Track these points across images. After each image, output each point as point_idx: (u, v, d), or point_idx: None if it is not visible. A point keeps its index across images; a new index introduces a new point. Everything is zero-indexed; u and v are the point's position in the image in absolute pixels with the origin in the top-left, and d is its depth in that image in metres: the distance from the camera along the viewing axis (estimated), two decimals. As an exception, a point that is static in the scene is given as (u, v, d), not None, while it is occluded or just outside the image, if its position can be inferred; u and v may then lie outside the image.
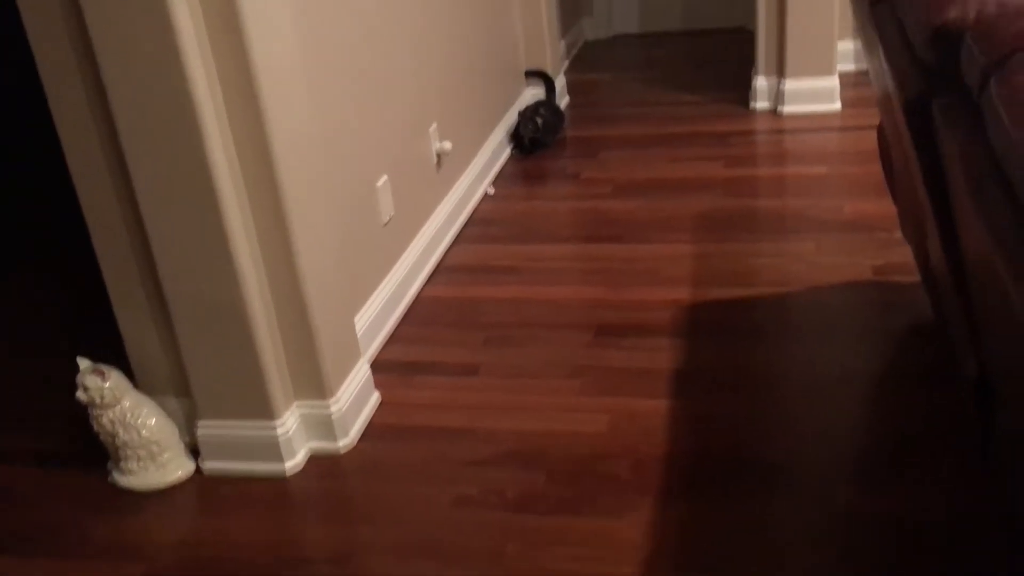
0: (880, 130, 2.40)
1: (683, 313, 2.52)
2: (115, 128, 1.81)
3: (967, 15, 1.22)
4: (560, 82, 4.24)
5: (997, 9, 1.18)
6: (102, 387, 1.99)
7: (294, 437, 2.06)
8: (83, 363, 2.01)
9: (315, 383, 2.05)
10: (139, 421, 2.02)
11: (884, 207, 2.94)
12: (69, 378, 2.04)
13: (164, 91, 1.72)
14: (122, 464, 2.05)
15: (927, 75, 1.33)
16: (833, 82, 3.75)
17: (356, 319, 2.38)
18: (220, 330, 1.93)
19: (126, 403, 2.01)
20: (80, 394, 2.00)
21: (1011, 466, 1.35)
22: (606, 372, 2.31)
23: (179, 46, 1.68)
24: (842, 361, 2.23)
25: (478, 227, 3.20)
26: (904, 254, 2.66)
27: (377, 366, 2.43)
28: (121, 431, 2.02)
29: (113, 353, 2.15)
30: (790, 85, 3.77)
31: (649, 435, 2.06)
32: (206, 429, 2.07)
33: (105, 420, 2.01)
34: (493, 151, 3.56)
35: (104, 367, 2.00)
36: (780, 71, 3.79)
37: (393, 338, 2.57)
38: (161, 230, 1.86)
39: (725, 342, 2.37)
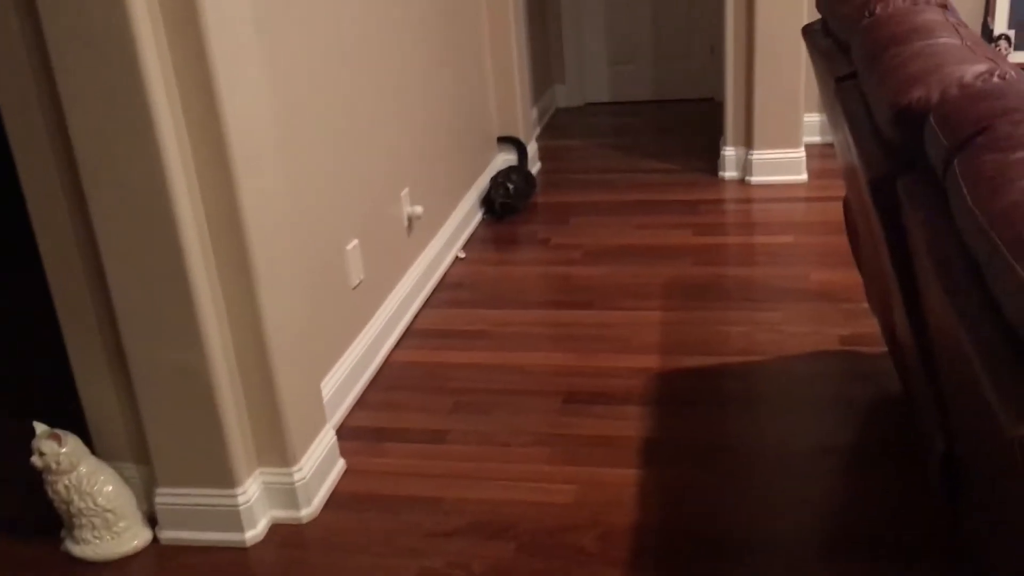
0: (846, 202, 2.44)
1: (652, 381, 2.51)
2: (82, 189, 1.79)
3: (930, 96, 1.25)
4: (532, 148, 4.29)
5: (959, 91, 1.21)
6: (58, 452, 1.94)
7: (255, 506, 2.01)
8: (39, 428, 1.96)
9: (279, 450, 2.01)
10: (95, 488, 1.96)
11: (850, 277, 2.98)
12: (25, 442, 1.99)
13: (135, 154, 1.71)
14: (76, 533, 1.98)
15: (892, 154, 1.35)
16: (800, 154, 3.82)
17: (323, 384, 2.35)
18: (182, 396, 1.89)
19: (83, 469, 1.96)
20: (35, 459, 1.94)
21: (981, 543, 1.34)
22: (574, 440, 2.29)
23: (151, 112, 1.67)
24: (811, 434, 2.23)
25: (448, 291, 3.20)
26: (870, 325, 2.68)
27: (344, 432, 2.39)
28: (76, 498, 1.96)
29: (71, 418, 2.10)
30: (758, 156, 3.83)
31: (617, 506, 2.04)
32: (165, 497, 2.01)
33: (60, 486, 1.96)
34: (465, 215, 3.58)
35: (61, 432, 1.95)
36: (748, 142, 3.86)
37: (360, 403, 2.54)
38: (125, 293, 1.83)
39: (694, 412, 2.36)
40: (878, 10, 1.71)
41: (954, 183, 1.07)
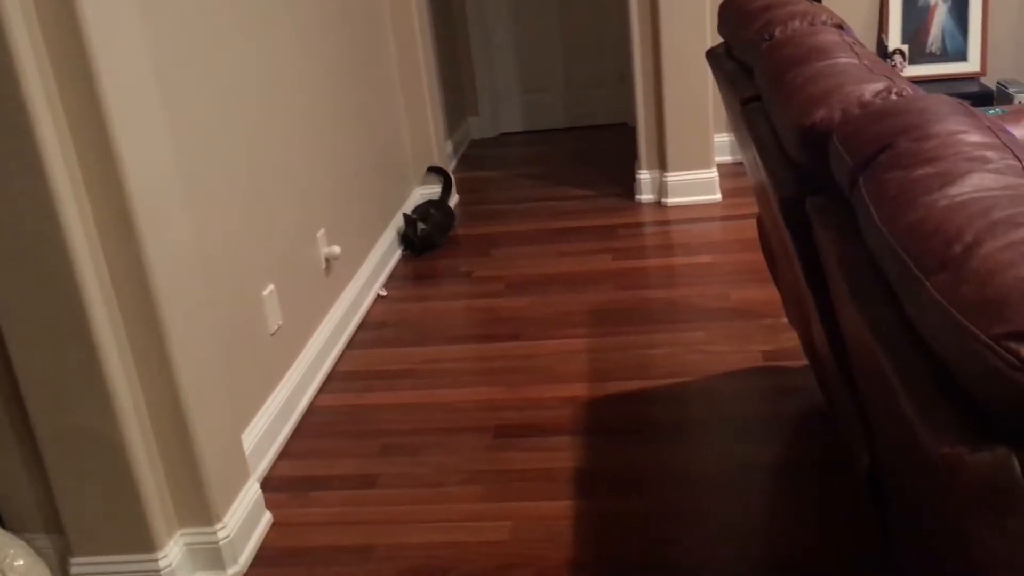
0: (759, 220, 2.48)
1: (581, 410, 2.50)
2: (-26, 251, 1.70)
3: (832, 116, 1.27)
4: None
5: (860, 110, 1.23)
6: (-38, 529, 1.83)
7: (178, 569, 1.92)
8: (-60, 504, 1.85)
9: (200, 509, 1.93)
10: (5, 563, 1.86)
11: (768, 293, 3.02)
12: (-76, 521, 1.87)
13: (29, 214, 1.63)
14: (-15, 613, 1.87)
15: (799, 174, 1.37)
16: (712, 174, 3.88)
17: (244, 436, 2.28)
18: (93, 461, 1.81)
19: (-10, 545, 1.85)
20: (-63, 538, 1.83)
21: (908, 554, 1.35)
22: (507, 476, 2.26)
23: (45, 170, 1.60)
24: (742, 453, 2.24)
25: (371, 331, 3.14)
26: (791, 339, 2.72)
27: (269, 484, 2.31)
28: (-16, 576, 1.85)
29: (-25, 490, 1.98)
30: (672, 178, 3.89)
31: (553, 540, 2.01)
32: (81, 567, 1.91)
33: (-34, 565, 1.85)
34: (384, 252, 3.53)
35: (-36, 507, 1.84)
36: (662, 165, 3.91)
37: (285, 453, 2.47)
38: (26, 356, 1.75)
39: (625, 439, 2.35)
40: (777, 32, 1.74)
41: (860, 201, 1.08)
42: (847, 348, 1.35)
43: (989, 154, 0.99)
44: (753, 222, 3.63)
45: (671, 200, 3.91)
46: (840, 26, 1.74)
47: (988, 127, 1.07)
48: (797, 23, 1.71)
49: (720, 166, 4.10)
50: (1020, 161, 0.99)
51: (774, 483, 2.13)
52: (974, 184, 0.92)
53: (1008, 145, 1.02)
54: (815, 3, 1.95)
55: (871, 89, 1.28)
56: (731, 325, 2.86)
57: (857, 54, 1.51)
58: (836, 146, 1.21)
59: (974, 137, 1.03)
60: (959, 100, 1.18)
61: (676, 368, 2.65)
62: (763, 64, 1.67)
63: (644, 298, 3.13)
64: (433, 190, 4.07)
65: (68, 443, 1.80)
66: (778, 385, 2.51)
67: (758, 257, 3.31)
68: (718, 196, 3.91)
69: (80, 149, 1.66)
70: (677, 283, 3.23)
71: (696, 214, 3.81)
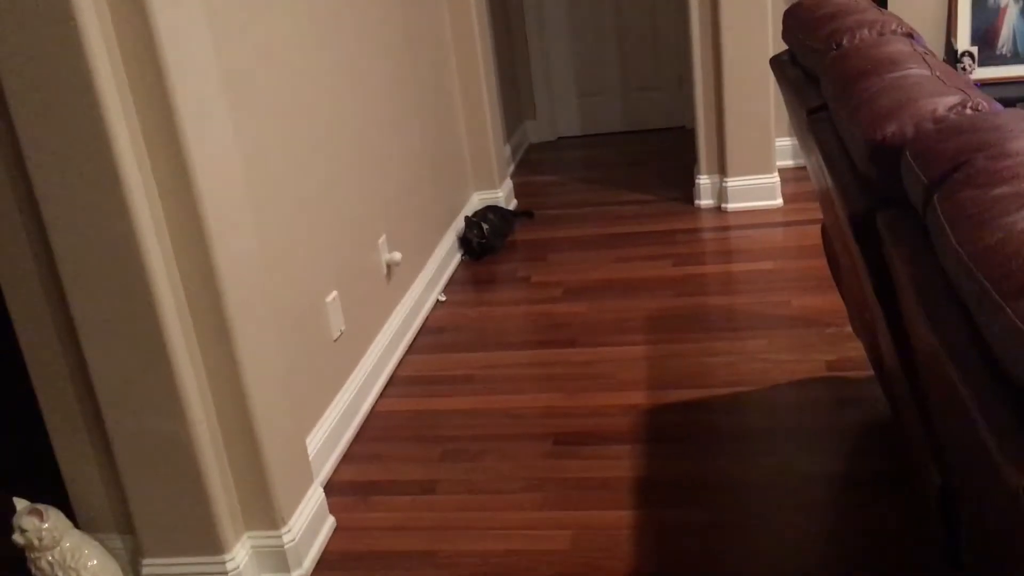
0: (824, 228, 2.44)
1: (641, 418, 2.49)
2: (55, 264, 1.76)
3: (905, 131, 1.25)
4: (507, 186, 4.29)
5: (934, 125, 1.21)
6: (40, 528, 1.89)
7: (244, 572, 1.96)
8: (20, 503, 1.91)
9: (266, 513, 1.97)
10: (80, 563, 1.91)
11: (831, 301, 2.98)
12: (4, 519, 1.94)
13: (107, 226, 1.68)
14: (61, 610, 1.93)
15: (869, 189, 1.35)
16: (774, 179, 3.84)
17: (308, 440, 2.31)
18: (165, 464, 1.85)
19: (66, 544, 1.91)
20: (16, 536, 1.89)
21: (980, 567, 1.33)
22: (566, 484, 2.26)
23: (121, 181, 1.65)
24: (803, 464, 2.21)
25: (431, 336, 3.17)
26: (855, 348, 2.68)
27: (331, 488, 2.35)
28: (61, 574, 1.90)
29: (52, 492, 2.05)
30: (732, 183, 3.85)
31: (612, 549, 2.01)
32: (151, 568, 1.96)
33: (44, 563, 1.90)
34: (443, 258, 3.56)
35: (42, 507, 1.90)
36: (722, 169, 3.87)
37: (347, 457, 2.50)
38: (102, 363, 1.80)
39: (685, 448, 2.34)
40: (845, 41, 1.72)
41: (935, 221, 1.06)
42: (918, 367, 1.33)
43: (1071, 174, 0.97)
44: (816, 228, 3.58)
45: (731, 205, 3.88)
46: (910, 34, 1.71)
47: (1069, 144, 1.05)
48: (866, 32, 1.69)
49: (781, 171, 4.05)
50: (1103, 180, 0.97)
51: (836, 496, 2.10)
52: (1056, 206, 0.90)
53: (1090, 164, 1.00)
54: (883, 10, 1.92)
55: (945, 103, 1.26)
56: (793, 333, 2.83)
57: (929, 64, 1.48)
58: (909, 162, 1.19)
59: (1054, 156, 1.00)
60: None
61: (736, 377, 2.63)
62: (831, 74, 1.65)
63: (704, 305, 3.11)
64: (494, 195, 4.09)
65: (141, 446, 1.85)
66: (842, 396, 2.48)
67: (821, 264, 3.26)
68: (780, 201, 3.86)
69: (154, 162, 1.71)
70: (737, 290, 3.20)
71: (757, 219, 3.77)
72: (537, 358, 2.93)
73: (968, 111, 1.22)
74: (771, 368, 2.65)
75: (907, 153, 1.19)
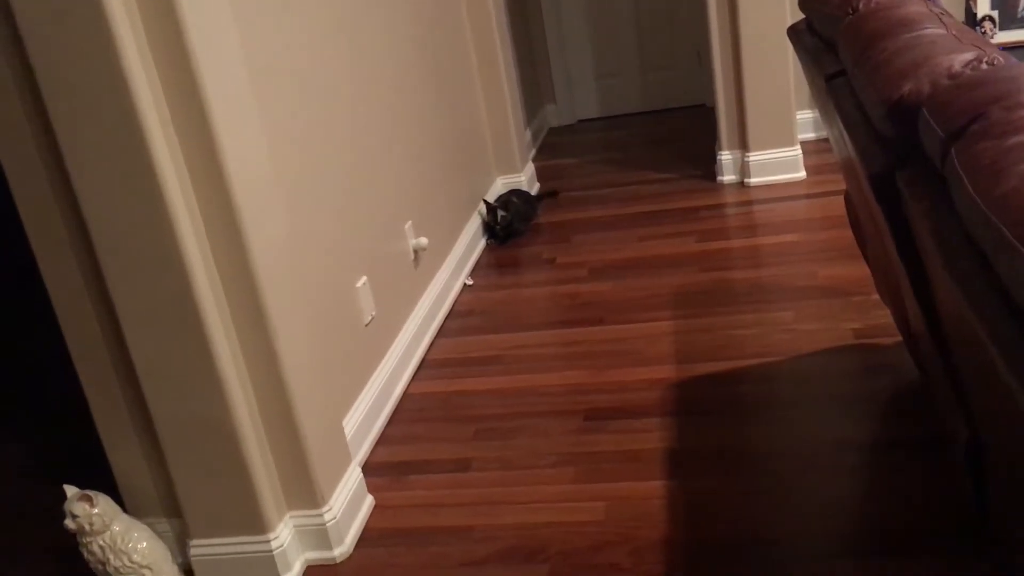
0: (847, 196, 2.45)
1: (669, 392, 2.52)
2: (94, 252, 1.81)
3: (921, 89, 1.26)
4: (529, 169, 4.31)
5: (950, 81, 1.23)
6: (90, 513, 1.95)
7: (289, 550, 2.01)
8: (70, 490, 1.97)
9: (307, 492, 2.02)
10: (130, 546, 1.97)
11: (858, 270, 2.99)
12: (57, 506, 2.00)
13: (143, 215, 1.73)
14: (113, 592, 1.99)
15: (888, 148, 1.37)
16: (796, 152, 3.84)
17: (344, 422, 2.36)
18: (209, 447, 1.91)
19: (116, 528, 1.97)
20: (68, 522, 1.95)
21: (1010, 529, 1.35)
22: (598, 457, 2.30)
23: (155, 170, 1.70)
24: (834, 431, 2.23)
25: (459, 319, 3.21)
26: (882, 316, 2.69)
27: (369, 469, 2.40)
28: (112, 557, 1.97)
29: (100, 478, 2.11)
30: (754, 157, 3.85)
31: (646, 520, 2.04)
32: (199, 549, 2.02)
33: (95, 547, 1.97)
34: (468, 242, 3.60)
35: (91, 493, 1.96)
36: (743, 145, 3.88)
37: (383, 439, 2.55)
38: (145, 351, 1.85)
39: (714, 419, 2.36)
40: (860, 6, 1.73)
41: (953, 173, 1.08)
42: (942, 321, 1.35)
43: (1085, 120, 0.98)
44: (839, 199, 3.58)
45: (754, 180, 3.88)
46: (926, -3, 1.72)
47: (1084, 93, 1.06)
48: (881, -4, 1.70)
49: (803, 143, 4.04)
50: (1118, 126, 0.98)
51: (868, 462, 2.12)
52: (1070, 151, 0.91)
53: (1105, 110, 1.01)
54: (899, -26, 1.92)
55: (960, 60, 1.28)
56: (820, 303, 2.84)
57: (945, 24, 1.49)
58: (926, 118, 1.20)
59: (1069, 104, 1.02)
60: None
61: (764, 348, 2.65)
62: (847, 38, 1.66)
63: (729, 279, 3.12)
64: (517, 179, 4.12)
65: (185, 431, 1.91)
66: (870, 363, 2.49)
67: (846, 234, 3.27)
68: (802, 174, 3.86)
69: (188, 155, 1.76)
70: (763, 263, 3.21)
71: (780, 193, 3.78)
72: (564, 337, 2.96)
73: (984, 66, 1.23)
74: (799, 338, 2.67)
75: (924, 110, 1.21)
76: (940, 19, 1.51)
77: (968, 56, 1.28)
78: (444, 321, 3.19)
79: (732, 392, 2.47)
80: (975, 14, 3.83)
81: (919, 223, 1.21)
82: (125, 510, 2.05)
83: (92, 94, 1.65)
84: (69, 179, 1.76)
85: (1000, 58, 1.26)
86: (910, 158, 1.33)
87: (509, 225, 3.74)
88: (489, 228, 3.80)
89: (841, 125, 1.66)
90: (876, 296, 2.79)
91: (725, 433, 2.29)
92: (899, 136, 1.32)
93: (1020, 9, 3.82)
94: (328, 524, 2.04)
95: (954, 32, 1.43)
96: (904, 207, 1.37)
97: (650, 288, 3.16)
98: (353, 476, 2.18)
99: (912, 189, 1.24)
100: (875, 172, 1.37)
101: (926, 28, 1.46)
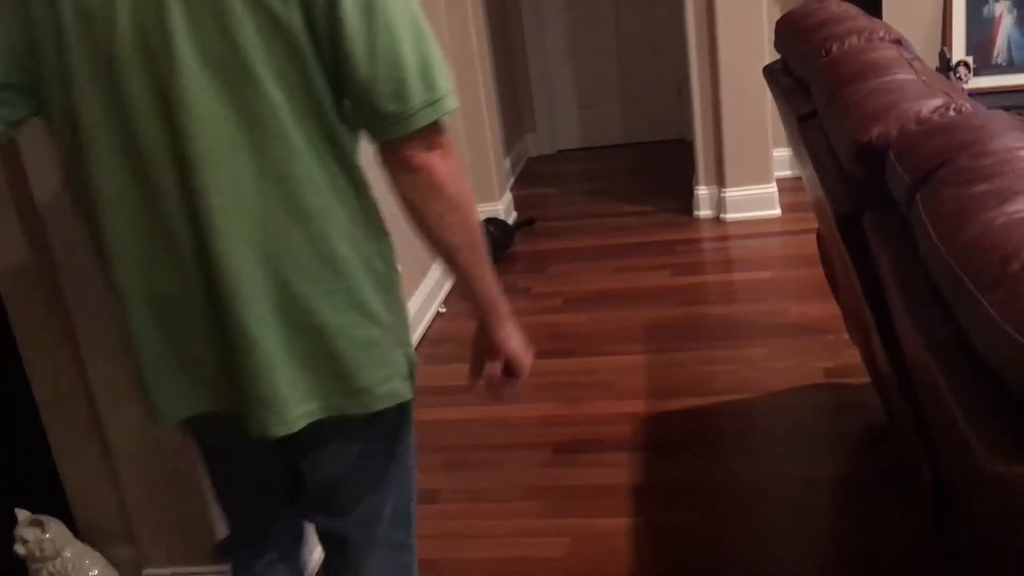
0: (819, 235, 2.46)
1: (640, 426, 2.50)
2: (55, 269, 1.78)
3: (890, 132, 1.27)
4: (506, 199, 4.31)
5: (917, 127, 1.23)
6: (42, 539, 1.90)
7: (246, 580, 1.97)
8: (21, 515, 1.92)
9: (267, 521, 1.98)
10: (81, 573, 1.93)
11: (829, 309, 2.99)
12: (6, 531, 1.95)
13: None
14: (63, 620, 1.94)
15: (856, 190, 1.37)
16: (771, 189, 3.86)
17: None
18: (166, 474, 1.87)
19: (67, 554, 1.92)
20: (18, 547, 1.91)
21: (974, 568, 1.34)
22: (566, 492, 2.27)
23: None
24: (803, 470, 2.22)
25: (431, 347, 3.19)
26: (853, 355, 2.69)
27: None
28: (62, 584, 1.92)
29: (53, 503, 2.06)
30: (730, 193, 3.87)
31: (612, 556, 2.02)
32: (153, 577, 1.98)
33: (45, 573, 1.92)
34: (443, 270, 3.57)
35: (43, 518, 1.92)
36: (720, 180, 3.89)
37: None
38: (103, 373, 1.82)
39: (684, 455, 2.35)
40: (834, 48, 1.74)
41: (918, 219, 1.08)
42: (907, 364, 1.34)
43: (1048, 170, 0.98)
44: (813, 237, 3.59)
45: (730, 216, 3.89)
46: (899, 41, 1.73)
47: (1048, 142, 1.06)
48: (854, 39, 1.71)
49: (779, 181, 4.06)
50: (1081, 176, 0.99)
51: (836, 500, 2.11)
52: (1032, 201, 0.91)
53: (1068, 160, 1.02)
54: (872, 18, 1.94)
55: (929, 105, 1.28)
56: (792, 341, 2.84)
57: (915, 70, 1.50)
58: (893, 162, 1.21)
59: (1033, 153, 1.02)
60: (1017, 115, 1.18)
61: (736, 384, 2.64)
62: (820, 80, 1.67)
63: (703, 314, 3.12)
64: (494, 208, 4.12)
65: (142, 456, 1.87)
66: (840, 402, 2.49)
67: (818, 272, 3.26)
68: (778, 211, 3.88)
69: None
70: (737, 299, 3.22)
71: (755, 229, 3.79)
72: (537, 367, 2.88)
73: (952, 112, 1.24)
74: (770, 375, 2.67)
75: (891, 154, 1.21)
76: (911, 64, 1.52)
77: (936, 102, 1.28)
78: (416, 349, 3.16)
79: (703, 428, 2.46)
80: (949, 59, 3.88)
81: (884, 267, 1.21)
82: (78, 535, 2.00)
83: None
84: (30, 189, 1.73)
85: (968, 105, 1.27)
86: (877, 201, 1.33)
87: (485, 254, 3.73)
88: (465, 256, 3.78)
89: (811, 165, 1.67)
90: (847, 335, 2.79)
91: (694, 469, 2.28)
92: (867, 178, 1.32)
93: (995, 55, 3.87)
94: (287, 554, 2.00)
95: (924, 78, 1.44)
96: (870, 249, 1.37)
97: (624, 321, 3.15)
98: (315, 505, 2.14)
99: (878, 232, 1.24)
100: (842, 213, 1.37)
101: (897, 73, 1.46)
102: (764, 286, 3.27)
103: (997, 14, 3.84)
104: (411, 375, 1.29)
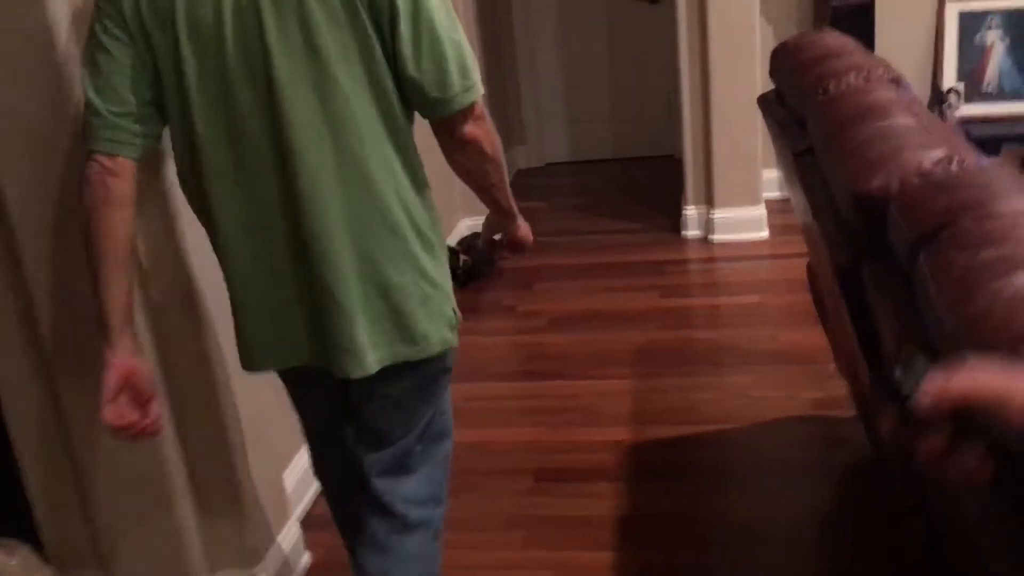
0: (810, 267, 2.44)
1: (625, 455, 2.47)
2: (29, 293, 1.73)
3: (891, 185, 1.24)
4: (494, 212, 4.27)
5: (920, 180, 1.20)
6: (8, 564, 1.84)
7: (218, 610, 1.93)
8: (-12, 540, 1.87)
9: (239, 550, 1.94)
10: (49, 600, 1.87)
11: (817, 338, 2.96)
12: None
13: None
14: (29, 648, 1.89)
15: (855, 240, 1.34)
16: (760, 211, 3.84)
17: (285, 474, 2.28)
18: (138, 500, 1.82)
19: (35, 581, 1.87)
20: (-16, 572, 1.85)
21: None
22: (548, 522, 2.24)
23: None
24: (788, 504, 2.19)
25: (414, 365, 3.14)
26: (840, 387, 2.66)
27: (310, 522, 2.31)
28: (29, 611, 1.86)
29: (21, 529, 2.01)
30: (719, 214, 3.85)
31: (595, 592, 1.98)
32: (123, 605, 1.93)
33: (11, 600, 1.86)
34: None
35: (10, 542, 1.86)
36: (709, 201, 3.87)
37: (326, 490, 2.47)
38: (75, 398, 1.77)
39: (669, 486, 2.32)
40: (831, 87, 1.71)
41: (922, 279, 1.05)
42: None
43: (1056, 237, 0.96)
44: (802, 261, 3.57)
45: (718, 237, 3.87)
46: (897, 80, 1.71)
47: (1055, 205, 1.04)
48: (852, 77, 1.68)
49: (769, 202, 4.05)
50: (1089, 244, 0.96)
51: (821, 535, 2.09)
52: (1042, 273, 0.88)
53: (1076, 227, 0.99)
54: (870, 53, 1.92)
55: (931, 156, 1.25)
56: (779, 370, 2.81)
57: (915, 114, 1.48)
58: (895, 217, 1.18)
59: (1040, 218, 0.99)
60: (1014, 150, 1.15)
61: (722, 414, 2.61)
62: (817, 119, 1.64)
63: (690, 339, 3.09)
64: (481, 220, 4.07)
65: (114, 482, 1.82)
66: (827, 434, 2.46)
67: (807, 298, 3.23)
68: (766, 233, 3.86)
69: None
70: (724, 323, 3.19)
71: (744, 252, 3.77)
72: (520, 391, 2.90)
73: (954, 167, 1.21)
74: (757, 405, 2.64)
75: (893, 208, 1.18)
76: (910, 108, 1.49)
77: (939, 153, 1.25)
78: (398, 366, 3.12)
79: (688, 458, 2.43)
80: (940, 86, 3.88)
81: (883, 321, 1.18)
82: (47, 561, 1.94)
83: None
84: (7, 209, 1.68)
85: (969, 159, 1.24)
86: (876, 251, 1.30)
87: (471, 269, 3.69)
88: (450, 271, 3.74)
89: (808, 206, 1.64)
90: (834, 366, 2.77)
91: (679, 501, 2.25)
92: (867, 229, 1.29)
93: (985, 83, 3.87)
94: (261, 584, 1.96)
95: (924, 123, 1.41)
96: (867, 298, 1.34)
97: (610, 343, 3.12)
98: (291, 532, 2.10)
99: (877, 286, 1.21)
100: (841, 263, 1.34)
101: (897, 117, 1.44)
102: (752, 311, 3.24)
103: (989, 43, 3.84)
104: (456, 325, 1.53)
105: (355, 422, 1.59)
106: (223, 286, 1.83)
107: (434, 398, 1.60)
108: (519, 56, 5.19)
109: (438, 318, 1.48)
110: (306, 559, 2.15)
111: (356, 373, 1.42)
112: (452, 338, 1.51)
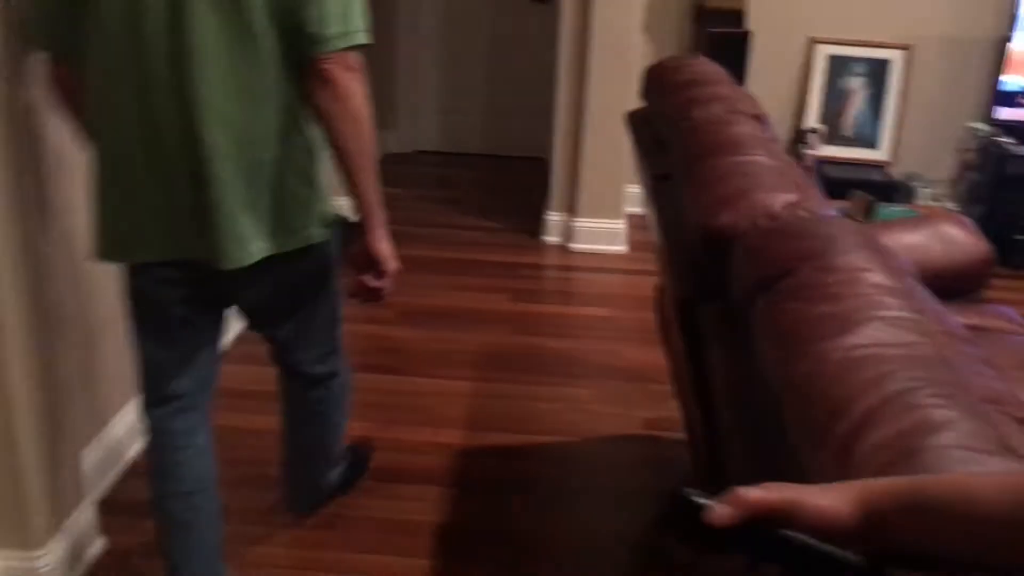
0: (659, 287, 2.44)
1: (453, 460, 2.41)
2: None
3: (739, 224, 1.22)
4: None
5: (768, 223, 1.18)
6: None
7: (-13, 597, 1.75)
8: None
9: (19, 531, 1.77)
10: None
11: (657, 357, 2.99)
12: None
13: None
14: None
15: (698, 276, 1.32)
16: (621, 225, 3.86)
17: (88, 450, 2.11)
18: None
19: None
20: None
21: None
22: (365, 524, 2.15)
23: None
24: (612, 524, 2.19)
25: (248, 345, 2.98)
26: (674, 408, 2.69)
27: (110, 505, 2.15)
28: None
29: None
30: (580, 223, 3.85)
31: (404, 602, 1.91)
32: None
33: None
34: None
35: None
36: (572, 209, 3.87)
37: (134, 473, 2.30)
38: None
39: (494, 496, 2.27)
40: (695, 114, 1.69)
41: (757, 325, 1.02)
42: (724, 456, 1.30)
43: (889, 300, 0.95)
44: (655, 279, 3.61)
45: (577, 245, 3.87)
46: (759, 117, 1.70)
47: (892, 265, 1.03)
48: (716, 108, 1.67)
49: (631, 217, 4.08)
50: (919, 310, 0.95)
51: (639, 560, 2.08)
52: (870, 336, 0.87)
53: (909, 291, 0.98)
54: (736, 86, 1.92)
55: (781, 199, 1.24)
56: (618, 386, 2.82)
57: (772, 153, 1.47)
58: (740, 257, 1.15)
59: (877, 277, 0.98)
60: (865, 226, 1.15)
61: (557, 426, 2.59)
62: (678, 146, 1.62)
63: (536, 345, 3.06)
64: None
65: None
66: (655, 455, 2.48)
67: (654, 318, 3.29)
68: (625, 248, 3.88)
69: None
70: (571, 333, 3.18)
71: (600, 263, 3.78)
72: (356, 382, 2.79)
73: (803, 213, 1.19)
74: (592, 419, 2.63)
75: (738, 248, 1.16)
76: (767, 146, 1.49)
77: (789, 197, 1.24)
78: (232, 345, 2.96)
79: (517, 470, 2.39)
80: (801, 126, 4.00)
81: (715, 366, 1.15)
82: None
83: None
84: None
85: (817, 206, 1.23)
86: (718, 288, 1.28)
87: (322, 250, 3.55)
88: (300, 249, 3.59)
89: (661, 231, 1.62)
90: (671, 387, 2.80)
91: (502, 512, 2.20)
92: (711, 266, 1.26)
93: (844, 127, 4.02)
94: (41, 570, 1.79)
95: (779, 165, 1.40)
96: (702, 334, 1.32)
97: (455, 342, 3.05)
98: (83, 516, 1.94)
99: (713, 328, 1.19)
100: (682, 296, 1.32)
101: (754, 154, 1.42)
102: (599, 323, 3.25)
103: (852, 89, 3.99)
104: (328, 224, 1.71)
105: (244, 312, 1.79)
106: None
107: (318, 290, 1.85)
108: (399, 37, 5.06)
109: (315, 215, 1.64)
110: (100, 544, 1.99)
111: (242, 260, 1.55)
112: (324, 234, 1.69)
